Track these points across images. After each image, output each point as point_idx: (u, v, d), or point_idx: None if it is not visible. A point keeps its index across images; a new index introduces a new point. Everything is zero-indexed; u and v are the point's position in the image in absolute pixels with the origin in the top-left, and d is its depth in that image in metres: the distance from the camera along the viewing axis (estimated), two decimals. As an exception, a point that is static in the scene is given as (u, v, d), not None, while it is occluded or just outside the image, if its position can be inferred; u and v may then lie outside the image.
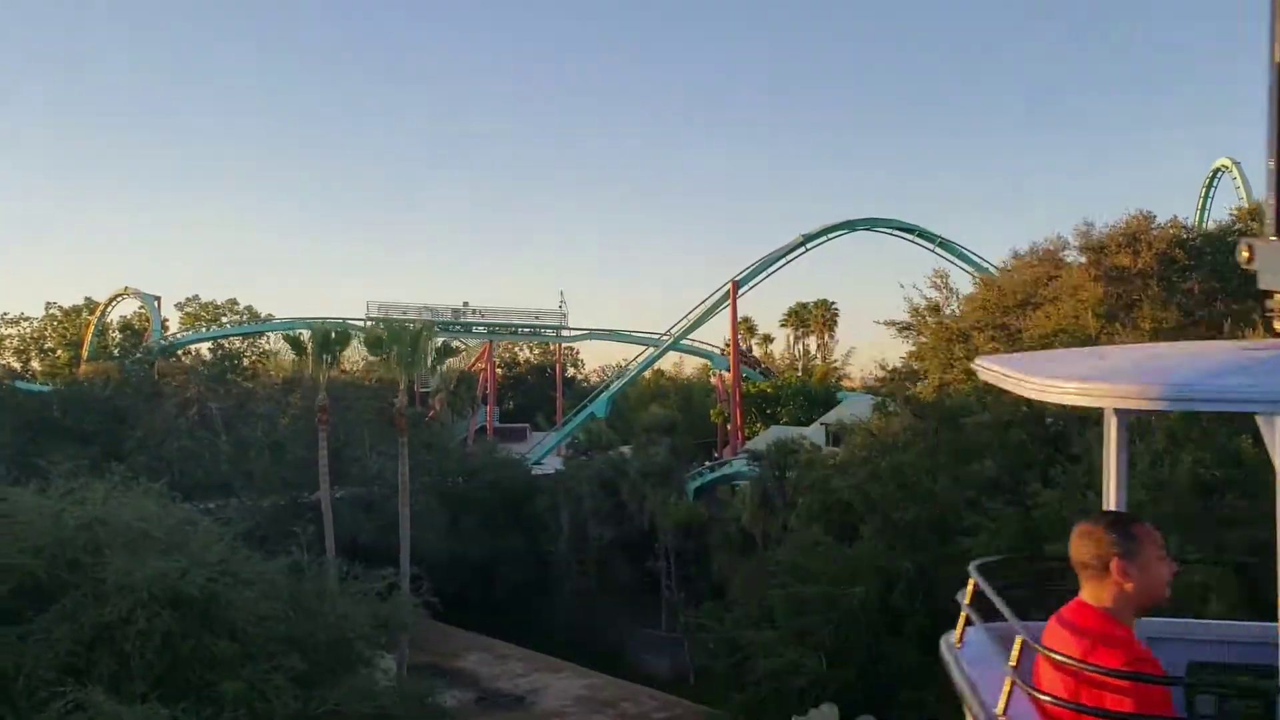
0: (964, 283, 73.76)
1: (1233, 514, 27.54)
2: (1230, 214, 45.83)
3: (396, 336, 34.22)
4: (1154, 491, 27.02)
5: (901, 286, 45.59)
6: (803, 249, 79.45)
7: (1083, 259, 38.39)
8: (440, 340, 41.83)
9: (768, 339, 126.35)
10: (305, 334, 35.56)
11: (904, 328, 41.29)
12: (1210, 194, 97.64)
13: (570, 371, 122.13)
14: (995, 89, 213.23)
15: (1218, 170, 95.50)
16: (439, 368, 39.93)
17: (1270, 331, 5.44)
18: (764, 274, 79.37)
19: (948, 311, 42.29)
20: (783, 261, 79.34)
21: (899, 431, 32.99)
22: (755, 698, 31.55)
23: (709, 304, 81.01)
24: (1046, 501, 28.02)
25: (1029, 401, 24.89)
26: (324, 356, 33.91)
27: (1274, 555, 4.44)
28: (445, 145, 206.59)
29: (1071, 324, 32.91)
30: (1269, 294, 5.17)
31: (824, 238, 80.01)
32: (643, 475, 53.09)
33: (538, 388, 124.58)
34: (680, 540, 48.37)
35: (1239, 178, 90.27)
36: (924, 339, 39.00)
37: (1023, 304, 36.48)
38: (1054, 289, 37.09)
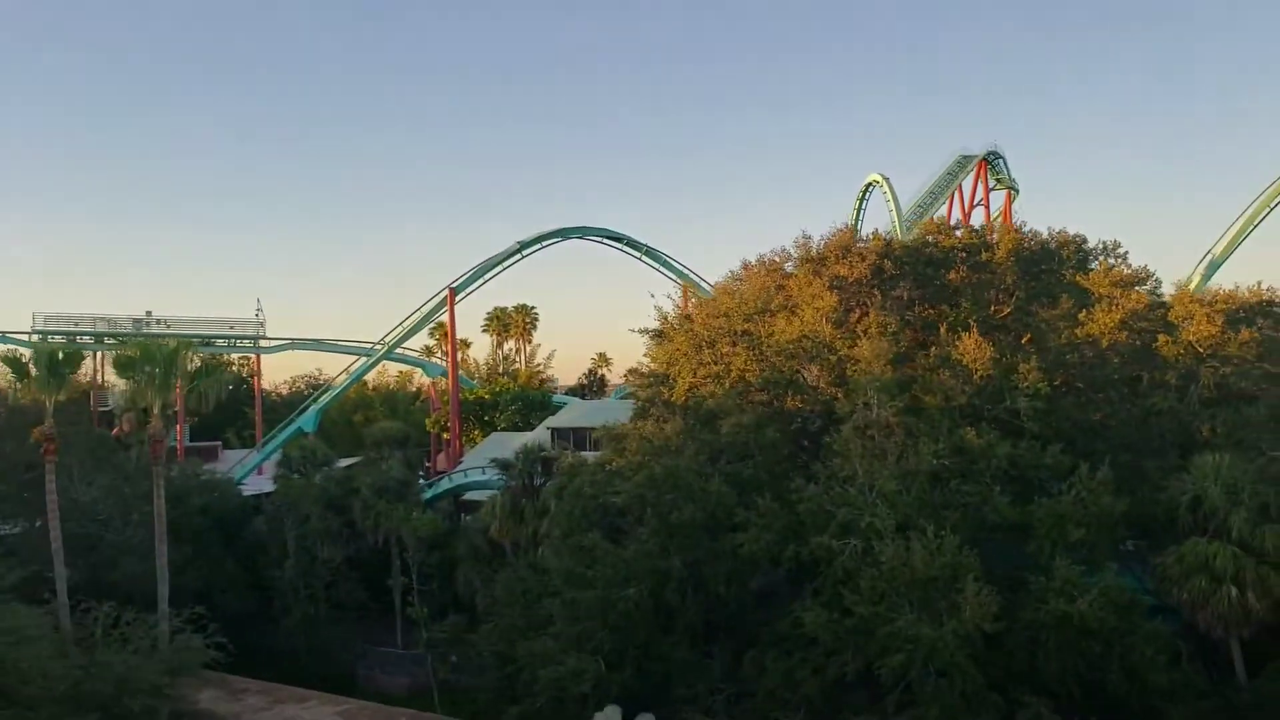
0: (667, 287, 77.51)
1: (960, 498, 30.87)
2: (920, 229, 50.44)
3: (149, 356, 30.82)
4: (903, 482, 29.62)
5: (652, 296, 47.15)
6: (519, 255, 79.93)
7: (800, 270, 41.09)
8: (198, 358, 37.95)
9: (465, 344, 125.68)
10: (25, 353, 31.12)
11: (656, 334, 42.72)
12: (863, 206, 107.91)
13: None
14: (696, 112, 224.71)
15: (870, 184, 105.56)
16: (215, 390, 35.94)
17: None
18: (481, 280, 79.10)
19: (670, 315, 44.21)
20: (500, 268, 79.48)
21: (672, 436, 34.13)
22: (532, 708, 31.43)
23: (425, 311, 79.62)
24: (810, 496, 30.04)
25: (780, 402, 26.49)
26: (51, 379, 30.03)
27: None
28: (120, 142, 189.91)
29: (812, 330, 35.29)
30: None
31: (539, 245, 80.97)
32: (376, 492, 51.21)
33: (223, 403, 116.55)
34: (423, 555, 47.12)
35: (888, 190, 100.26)
36: (673, 344, 40.45)
37: (761, 312, 38.66)
38: (784, 297, 39.57)
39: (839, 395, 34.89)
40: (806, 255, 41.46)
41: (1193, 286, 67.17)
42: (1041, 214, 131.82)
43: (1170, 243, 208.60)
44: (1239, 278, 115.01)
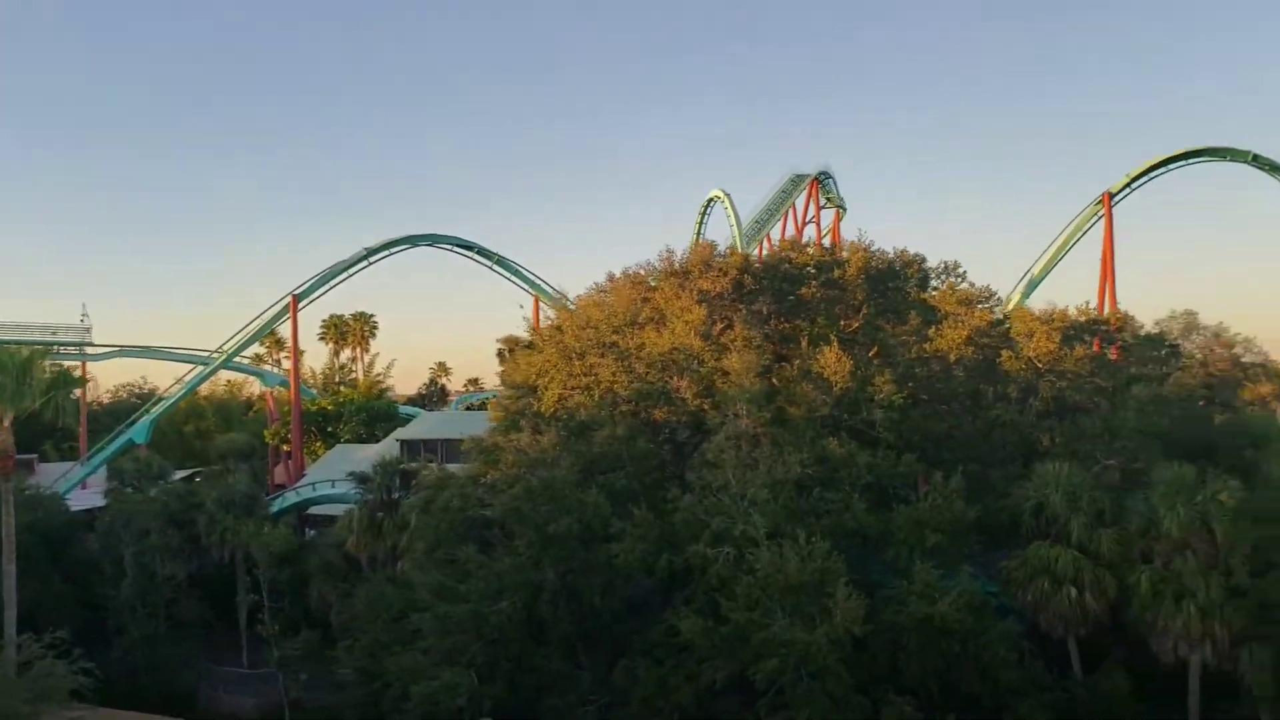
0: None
1: (824, 505, 32.04)
2: (777, 245, 52.06)
3: (0, 364, 28.58)
4: (772, 491, 30.54)
5: (521, 308, 46.98)
6: (365, 262, 78.00)
7: (665, 283, 41.78)
8: (55, 366, 35.40)
9: (299, 352, 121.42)
10: None
11: (526, 345, 42.57)
12: (704, 220, 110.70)
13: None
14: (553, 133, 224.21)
15: (711, 200, 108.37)
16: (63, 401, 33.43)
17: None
18: (325, 287, 76.78)
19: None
20: (345, 274, 77.28)
21: (548, 448, 34.11)
22: (403, 724, 30.90)
23: (266, 319, 76.65)
24: (686, 506, 30.62)
25: (647, 413, 27.09)
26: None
27: None
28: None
29: (683, 343, 35.99)
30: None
31: (387, 252, 79.24)
32: (222, 506, 49.24)
33: (36, 412, 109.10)
34: (274, 570, 45.52)
35: (729, 205, 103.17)
36: (543, 355, 40.39)
37: (629, 324, 39.14)
38: (651, 310, 40.19)
39: (706, 406, 35.71)
40: (671, 269, 42.18)
41: (1013, 304, 71.44)
42: (869, 232, 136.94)
43: (990, 262, 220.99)
44: (1054, 296, 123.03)
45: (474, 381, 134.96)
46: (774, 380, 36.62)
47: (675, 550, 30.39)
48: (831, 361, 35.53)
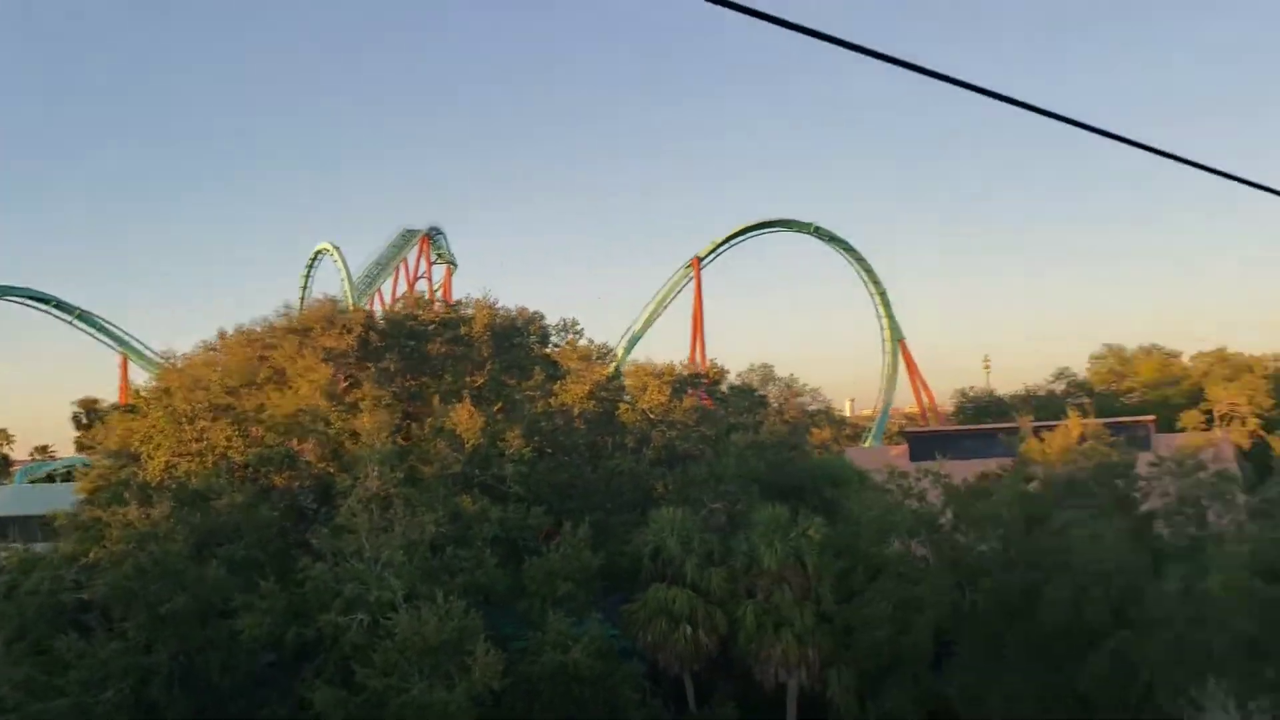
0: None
1: (458, 563, 32.32)
2: (389, 301, 51.82)
3: None
4: (407, 552, 30.33)
5: (120, 368, 42.77)
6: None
7: (285, 341, 40.29)
8: None
9: None
10: None
11: (129, 409, 38.92)
12: (311, 273, 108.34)
13: None
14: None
15: (319, 252, 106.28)
16: None
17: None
18: None
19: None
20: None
21: (159, 520, 31.29)
22: None
23: None
24: (317, 574, 29.54)
25: (268, 479, 26.65)
26: None
27: None
28: None
29: (309, 404, 34.80)
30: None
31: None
32: None
33: None
34: None
35: (339, 259, 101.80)
36: (148, 420, 37.17)
37: (246, 384, 37.26)
38: (271, 369, 38.53)
39: (333, 469, 34.76)
40: (290, 325, 40.71)
41: (618, 359, 75.92)
42: (477, 288, 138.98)
43: (597, 319, 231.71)
44: (652, 350, 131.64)
45: (43, 449, 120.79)
46: (404, 439, 36.41)
47: (305, 620, 29.24)
48: (464, 418, 35.94)
